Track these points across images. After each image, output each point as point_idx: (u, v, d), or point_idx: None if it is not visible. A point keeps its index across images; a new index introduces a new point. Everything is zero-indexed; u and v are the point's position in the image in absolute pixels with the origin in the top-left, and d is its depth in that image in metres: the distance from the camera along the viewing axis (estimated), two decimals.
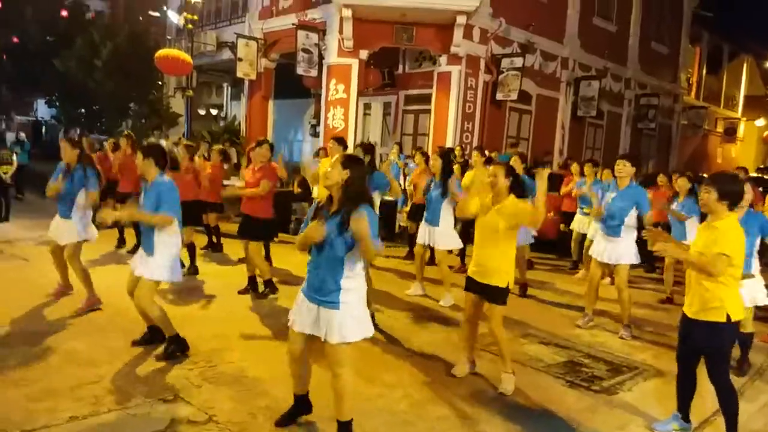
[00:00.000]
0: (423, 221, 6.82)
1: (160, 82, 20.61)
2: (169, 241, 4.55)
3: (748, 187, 5.09)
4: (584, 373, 4.89)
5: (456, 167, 9.06)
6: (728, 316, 3.54)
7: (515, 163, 8.01)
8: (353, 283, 3.24)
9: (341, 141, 6.94)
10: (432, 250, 7.09)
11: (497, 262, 4.34)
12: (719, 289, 3.52)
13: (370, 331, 3.34)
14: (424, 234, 6.75)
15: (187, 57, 10.64)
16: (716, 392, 3.66)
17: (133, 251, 8.18)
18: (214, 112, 22.14)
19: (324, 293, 3.23)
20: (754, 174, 21.75)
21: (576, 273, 8.85)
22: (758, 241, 4.97)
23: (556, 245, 10.22)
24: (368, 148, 6.03)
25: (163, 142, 14.74)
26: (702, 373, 3.74)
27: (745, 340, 5.08)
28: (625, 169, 5.80)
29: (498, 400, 4.22)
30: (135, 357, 4.53)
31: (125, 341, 4.76)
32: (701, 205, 3.66)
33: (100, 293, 5.67)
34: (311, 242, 3.23)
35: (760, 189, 11.76)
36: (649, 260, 9.14)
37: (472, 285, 4.50)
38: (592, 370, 4.96)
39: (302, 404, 3.63)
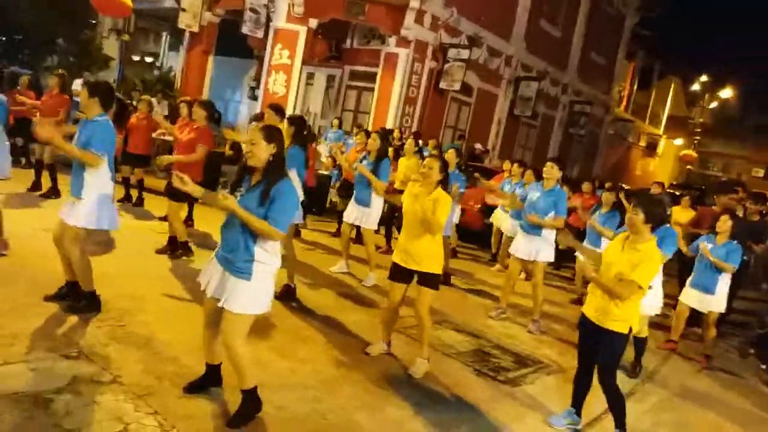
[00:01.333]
0: (352, 200, 6.81)
1: (93, 21, 19.41)
2: (98, 183, 4.29)
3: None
4: (492, 363, 5.09)
5: (390, 150, 9.12)
6: (630, 329, 3.79)
7: (450, 156, 8.13)
8: (267, 255, 3.21)
9: (279, 110, 6.78)
10: (359, 228, 7.14)
11: (428, 248, 4.41)
12: (626, 304, 3.73)
13: (268, 307, 3.30)
14: (351, 213, 6.75)
15: None
16: (605, 393, 3.90)
17: (46, 195, 7.78)
18: (149, 59, 21.17)
19: (236, 261, 3.18)
20: (668, 190, 23.15)
21: (494, 265, 9.15)
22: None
23: (479, 236, 10.52)
24: (296, 120, 5.91)
25: (153, 101, 13.97)
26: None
27: (641, 345, 5.44)
28: (552, 171, 6.05)
29: (407, 384, 4.33)
30: (42, 310, 4.31)
31: (33, 292, 4.52)
32: (628, 225, 3.78)
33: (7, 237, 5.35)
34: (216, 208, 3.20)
35: None
36: (558, 258, 9.61)
37: (397, 273, 4.54)
38: (499, 361, 5.17)
39: (213, 375, 3.58)
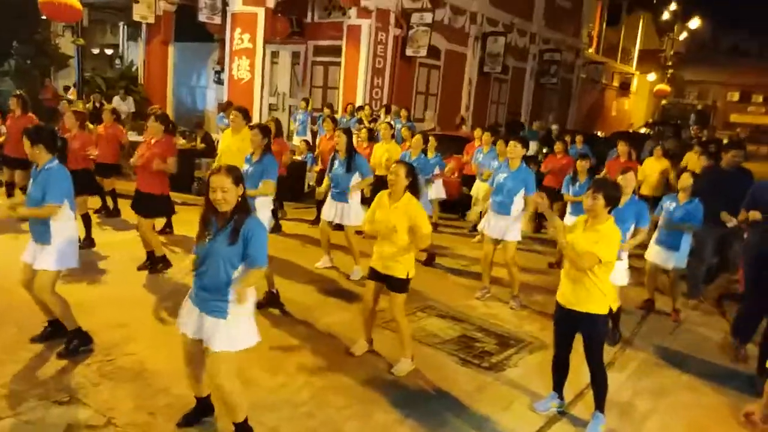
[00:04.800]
0: (329, 197, 6.83)
1: (45, 17, 18.80)
2: (63, 228, 4.33)
3: (632, 176, 5.53)
4: (476, 348, 5.25)
5: (363, 132, 9.11)
6: (610, 309, 3.93)
7: (416, 141, 8.14)
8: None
9: (245, 113, 6.76)
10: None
11: (396, 255, 4.50)
12: (603, 283, 3.86)
13: (256, 339, 3.37)
14: (330, 211, 6.77)
15: (76, 2, 9.74)
16: (591, 373, 4.04)
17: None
18: (109, 52, 20.65)
19: (211, 303, 3.24)
20: (643, 130, 23.30)
21: (475, 236, 9.28)
22: (632, 227, 5.42)
23: (457, 206, 10.62)
24: (264, 130, 5.90)
25: (117, 99, 13.71)
26: (574, 351, 4.14)
27: (616, 314, 5.62)
28: (515, 150, 6.13)
29: (394, 385, 4.47)
30: (30, 354, 4.37)
31: (20, 336, 4.57)
32: (588, 210, 3.86)
33: None
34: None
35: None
36: (537, 220, 9.81)
37: (374, 274, 4.68)
38: (483, 345, 5.33)
39: (204, 406, 3.69)
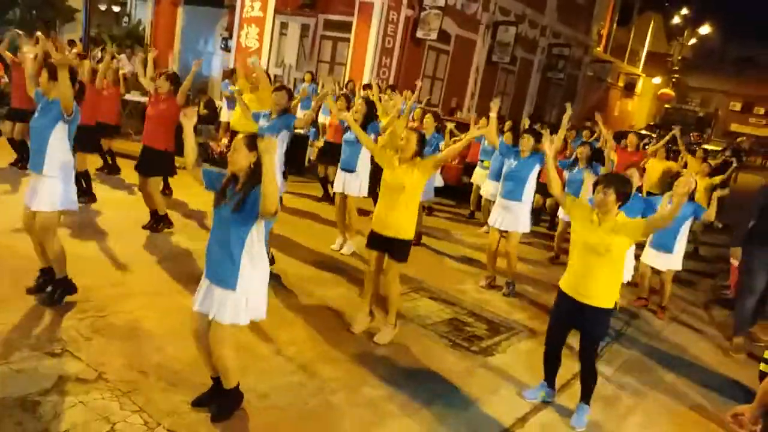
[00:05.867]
0: (339, 168, 6.80)
1: None
2: (60, 157, 4.32)
3: (637, 175, 5.57)
4: (466, 332, 5.30)
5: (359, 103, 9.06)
6: (616, 303, 3.95)
7: (429, 121, 8.16)
8: (253, 264, 3.24)
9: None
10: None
11: (400, 217, 4.59)
12: (615, 277, 3.88)
13: (263, 312, 3.35)
14: (340, 181, 6.76)
15: None
16: (582, 368, 4.06)
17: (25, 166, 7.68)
18: (116, 9, 20.36)
19: (221, 272, 3.22)
20: (643, 131, 23.33)
21: (479, 225, 9.21)
22: None
23: (456, 192, 10.64)
24: (290, 92, 5.93)
25: (123, 57, 13.47)
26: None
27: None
28: (529, 143, 6.16)
29: (383, 361, 4.50)
30: (23, 304, 4.37)
31: (13, 285, 4.56)
32: (599, 205, 3.83)
33: None
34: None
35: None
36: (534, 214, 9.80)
37: (374, 240, 4.74)
38: (473, 330, 5.38)
39: (220, 387, 3.55)
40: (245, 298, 3.23)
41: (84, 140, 6.65)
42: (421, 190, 4.74)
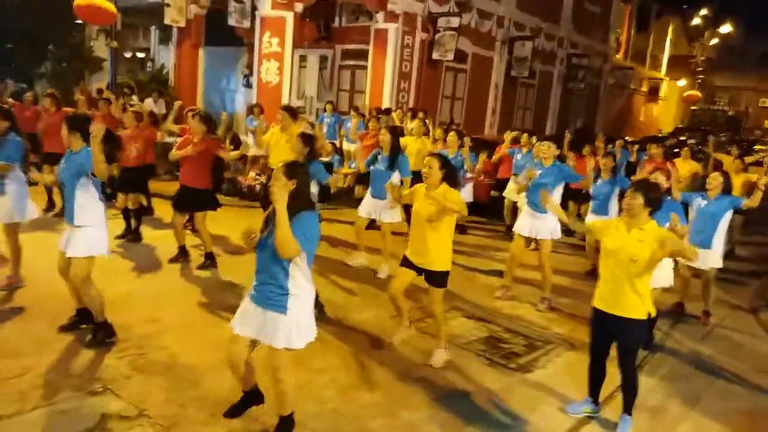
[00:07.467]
0: (368, 195, 6.86)
1: (79, 21, 19.27)
2: (91, 207, 4.46)
3: (662, 178, 5.46)
4: (503, 349, 5.22)
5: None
6: (649, 314, 3.87)
7: (452, 138, 8.19)
8: (300, 287, 3.30)
9: (292, 112, 6.84)
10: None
11: (433, 247, 4.55)
12: (645, 289, 3.80)
13: (313, 334, 3.42)
14: (368, 207, 6.81)
15: (111, 6, 9.98)
16: (622, 378, 3.98)
17: (61, 214, 7.90)
18: (140, 55, 21.07)
19: (271, 297, 3.27)
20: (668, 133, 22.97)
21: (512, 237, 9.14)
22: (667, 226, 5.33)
23: (487, 208, 10.58)
24: (308, 139, 6.00)
25: (150, 101, 13.95)
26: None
27: (653, 321, 5.51)
28: (549, 150, 6.13)
29: (421, 382, 4.46)
30: (63, 345, 4.48)
31: (52, 327, 4.68)
32: (626, 209, 3.82)
33: (23, 268, 5.50)
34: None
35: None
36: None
37: (407, 263, 4.73)
38: (510, 346, 5.30)
39: (253, 396, 3.68)
40: (296, 322, 3.28)
41: (132, 180, 7.32)
42: (454, 218, 4.65)
